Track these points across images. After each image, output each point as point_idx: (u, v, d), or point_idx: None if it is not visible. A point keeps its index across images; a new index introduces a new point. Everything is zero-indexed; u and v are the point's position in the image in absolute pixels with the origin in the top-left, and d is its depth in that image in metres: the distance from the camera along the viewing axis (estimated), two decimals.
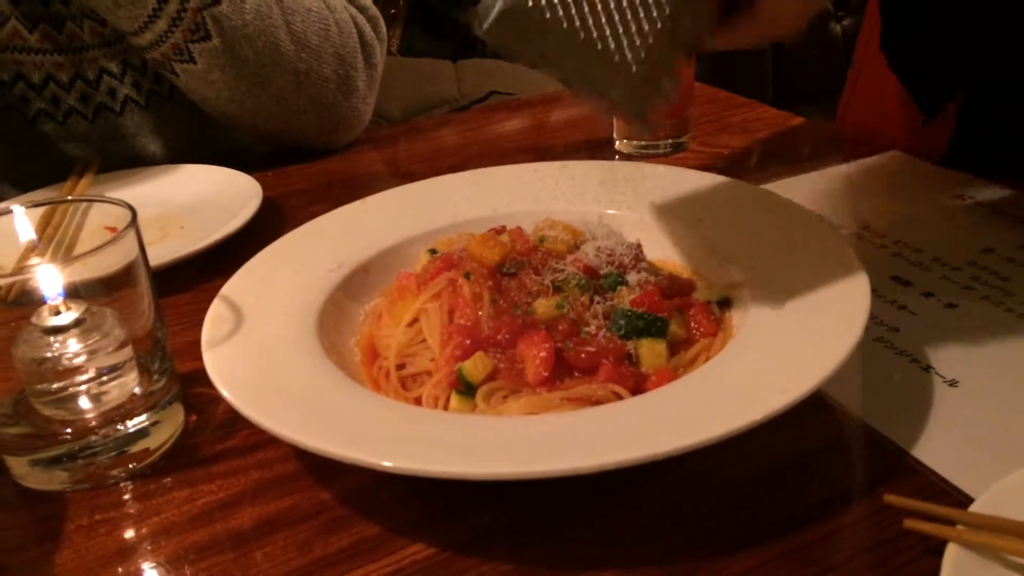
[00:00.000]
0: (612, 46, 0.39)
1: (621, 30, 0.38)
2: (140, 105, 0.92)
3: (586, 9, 0.38)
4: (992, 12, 0.67)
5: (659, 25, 0.39)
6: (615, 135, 0.85)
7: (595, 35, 0.38)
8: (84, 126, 0.91)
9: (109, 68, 0.90)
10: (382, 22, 0.91)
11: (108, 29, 0.88)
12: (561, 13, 0.38)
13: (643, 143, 0.83)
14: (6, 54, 0.85)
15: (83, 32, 0.88)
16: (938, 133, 0.72)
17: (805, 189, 0.72)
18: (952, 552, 0.34)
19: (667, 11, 0.39)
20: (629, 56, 0.39)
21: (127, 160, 0.91)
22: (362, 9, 0.89)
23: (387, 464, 0.37)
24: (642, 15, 0.38)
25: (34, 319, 0.46)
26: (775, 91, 2.05)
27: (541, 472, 0.36)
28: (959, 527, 0.35)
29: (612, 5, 0.38)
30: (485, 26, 0.39)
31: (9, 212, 0.47)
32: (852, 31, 2.04)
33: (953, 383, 0.47)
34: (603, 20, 0.38)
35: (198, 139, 0.94)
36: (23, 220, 0.47)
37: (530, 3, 0.38)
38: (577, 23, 0.38)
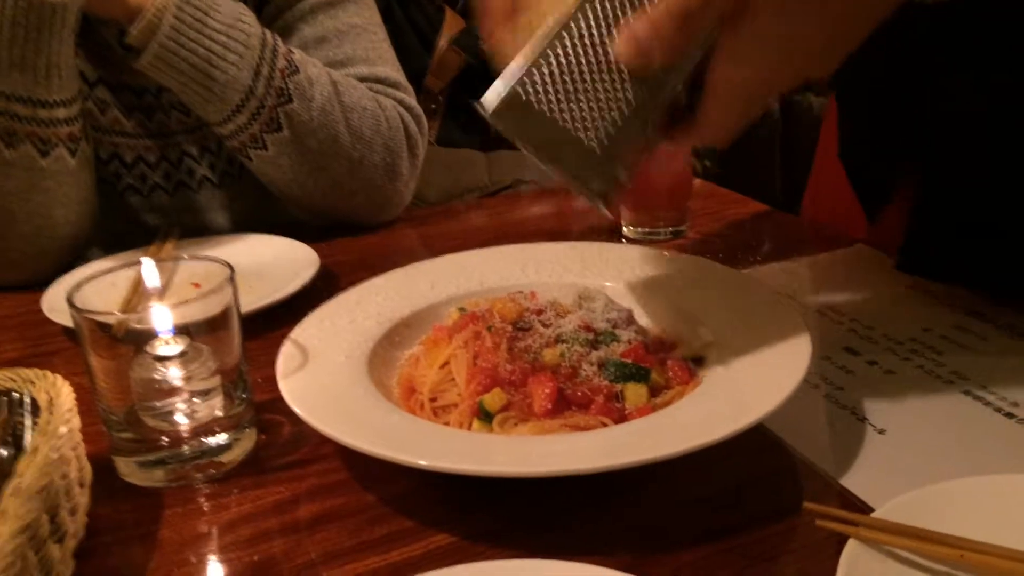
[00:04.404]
0: (583, 133, 0.50)
1: (591, 121, 0.50)
2: (213, 183, 1.06)
3: (565, 103, 0.50)
4: (942, 129, 0.77)
5: (619, 120, 0.50)
6: (623, 222, 0.98)
7: (570, 123, 0.50)
8: (164, 199, 1.05)
9: (190, 151, 1.05)
10: (424, 119, 1.06)
11: (191, 118, 1.03)
12: (546, 106, 0.50)
13: (646, 230, 0.96)
14: (106, 136, 1.00)
15: (170, 120, 1.03)
16: (892, 236, 0.83)
17: (781, 273, 0.84)
18: (850, 545, 0.44)
19: (627, 111, 0.51)
20: (595, 142, 0.50)
21: (199, 230, 1.04)
22: (408, 108, 1.03)
23: (422, 463, 0.49)
24: (608, 112, 0.50)
25: (148, 348, 0.58)
26: (783, 183, 2.19)
27: (539, 472, 0.48)
28: (859, 527, 0.45)
29: (585, 103, 0.50)
30: (490, 111, 0.51)
31: (138, 263, 0.60)
32: None
33: (882, 431, 0.58)
34: (578, 112, 0.50)
35: (261, 213, 1.08)
36: (151, 270, 0.60)
37: (523, 97, 0.50)
38: (557, 113, 0.50)
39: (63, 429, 0.50)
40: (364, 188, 1.00)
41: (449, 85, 1.52)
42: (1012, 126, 0.67)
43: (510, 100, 0.50)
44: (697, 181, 1.06)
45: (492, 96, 0.50)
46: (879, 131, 0.81)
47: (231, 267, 0.59)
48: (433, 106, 1.51)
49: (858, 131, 0.84)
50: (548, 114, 0.50)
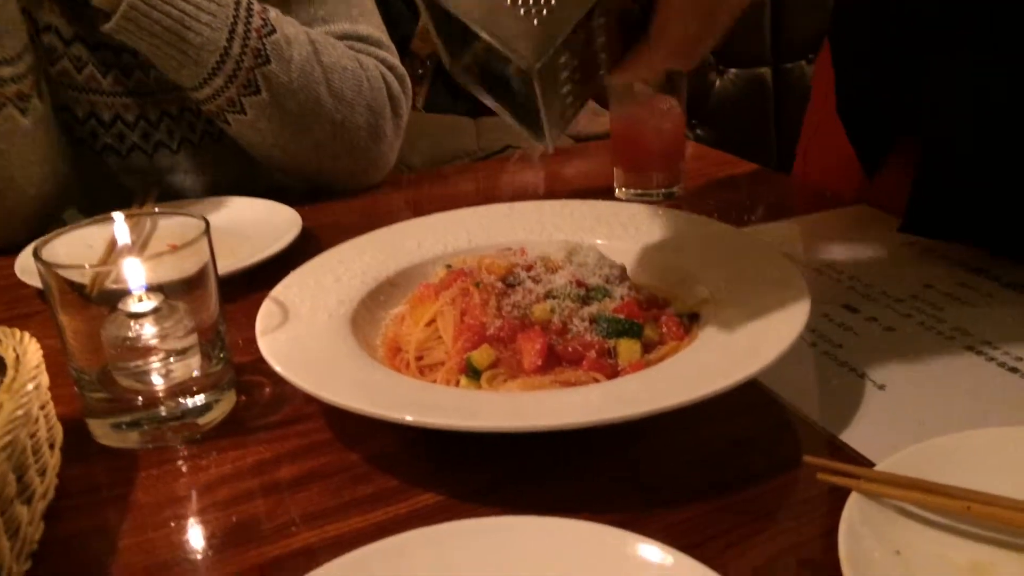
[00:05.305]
0: (520, 1, 0.44)
1: None
2: (194, 144, 1.03)
3: None
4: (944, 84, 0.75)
5: None
6: (615, 184, 0.95)
7: None
8: (144, 161, 1.02)
9: (169, 111, 1.01)
10: (407, 79, 1.03)
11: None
12: None
13: (639, 191, 0.94)
14: (83, 94, 0.97)
15: (148, 79, 0.99)
16: (897, 197, 0.81)
17: (778, 233, 0.82)
18: (853, 498, 0.42)
19: None
20: (532, 11, 0.44)
21: (179, 193, 1.02)
22: (391, 68, 1.01)
23: (408, 418, 0.46)
24: None
25: (120, 305, 0.56)
26: (778, 153, 2.17)
27: (529, 427, 0.46)
28: (861, 480, 0.43)
29: None
30: None
31: (111, 219, 0.58)
32: None
33: (882, 387, 0.56)
34: None
35: (243, 177, 1.05)
36: (123, 226, 0.58)
37: None
38: None
39: (29, 386, 0.47)
40: (347, 150, 0.97)
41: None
42: (1013, 82, 0.65)
43: None
44: (690, 144, 1.04)
45: None
46: (877, 87, 0.79)
47: (206, 221, 0.56)
48: (420, 71, 1.47)
49: (856, 88, 0.81)
50: None
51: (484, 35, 0.46)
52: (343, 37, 0.98)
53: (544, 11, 0.45)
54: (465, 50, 0.50)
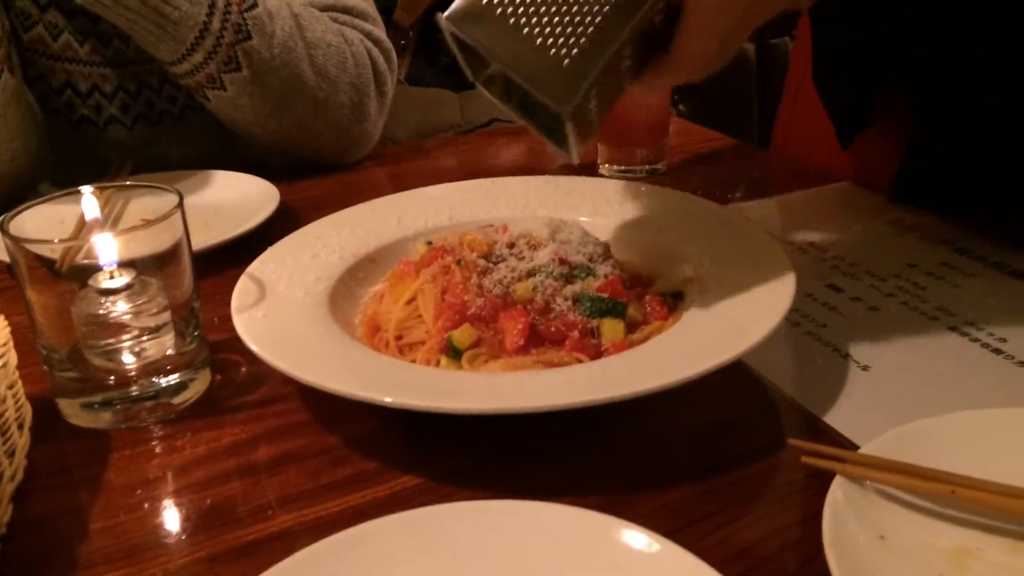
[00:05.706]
0: (548, 42, 0.46)
1: (560, 31, 0.46)
2: (174, 117, 1.01)
3: (532, 11, 0.46)
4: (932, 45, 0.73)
5: (592, 32, 0.46)
6: (599, 159, 0.94)
7: (536, 30, 0.46)
8: (122, 133, 0.99)
9: (149, 82, 0.99)
10: (394, 54, 1.01)
11: None
12: (511, 13, 0.46)
13: (623, 167, 0.92)
14: (58, 63, 0.94)
15: (127, 48, 0.96)
16: (884, 171, 0.80)
17: (761, 211, 0.81)
18: (837, 481, 0.42)
19: (602, 22, 0.46)
20: (564, 53, 0.46)
21: (158, 166, 0.99)
22: (376, 42, 0.98)
23: (388, 400, 0.46)
24: (579, 24, 0.46)
25: (91, 281, 0.54)
26: (760, 129, 2.16)
27: (510, 409, 0.45)
28: (846, 464, 0.43)
29: (555, 11, 0.46)
30: (448, 14, 0.47)
31: (78, 192, 0.56)
32: None
33: (866, 367, 0.56)
34: (547, 21, 0.46)
35: (223, 151, 1.02)
36: (91, 200, 0.56)
37: (484, 1, 0.47)
38: (523, 19, 0.46)
39: None
40: (330, 129, 0.95)
41: (420, 19, 1.45)
42: (1002, 45, 0.65)
43: (470, 6, 0.46)
44: (674, 120, 1.03)
45: (453, 5, 0.46)
46: (855, 50, 0.78)
47: (180, 195, 0.55)
48: (403, 42, 1.45)
49: (833, 52, 0.80)
50: (513, 21, 0.46)
51: (514, 76, 0.47)
52: (327, 9, 0.95)
53: (575, 50, 0.46)
54: (488, 65, 0.51)
